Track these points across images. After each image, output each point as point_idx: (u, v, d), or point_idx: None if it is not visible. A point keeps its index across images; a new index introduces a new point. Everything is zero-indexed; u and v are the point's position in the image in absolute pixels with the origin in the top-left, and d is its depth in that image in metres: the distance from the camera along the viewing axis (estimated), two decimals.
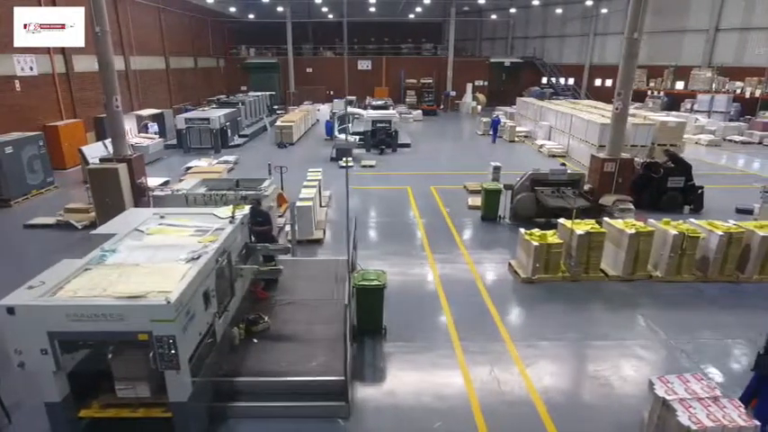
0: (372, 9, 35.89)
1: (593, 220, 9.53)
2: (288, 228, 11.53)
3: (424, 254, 10.56)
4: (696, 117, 26.48)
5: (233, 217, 6.91)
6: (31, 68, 17.57)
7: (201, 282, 5.47)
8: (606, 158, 12.14)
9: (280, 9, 35.87)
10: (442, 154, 21.63)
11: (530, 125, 25.58)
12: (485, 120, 26.74)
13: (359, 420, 5.77)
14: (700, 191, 13.26)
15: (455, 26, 40.54)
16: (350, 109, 23.88)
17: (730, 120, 26.62)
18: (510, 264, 9.79)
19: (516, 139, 24.40)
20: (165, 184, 14.58)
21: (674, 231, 9.05)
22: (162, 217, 7.24)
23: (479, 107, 35.58)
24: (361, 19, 39.76)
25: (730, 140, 24.13)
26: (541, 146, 21.59)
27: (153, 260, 5.75)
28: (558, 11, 37.17)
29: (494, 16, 41.28)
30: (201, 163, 18.00)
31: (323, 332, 6.82)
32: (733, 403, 4.78)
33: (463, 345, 7.25)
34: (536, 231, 9.32)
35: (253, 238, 7.76)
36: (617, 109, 11.92)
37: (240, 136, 24.15)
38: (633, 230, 9.03)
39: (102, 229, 7.03)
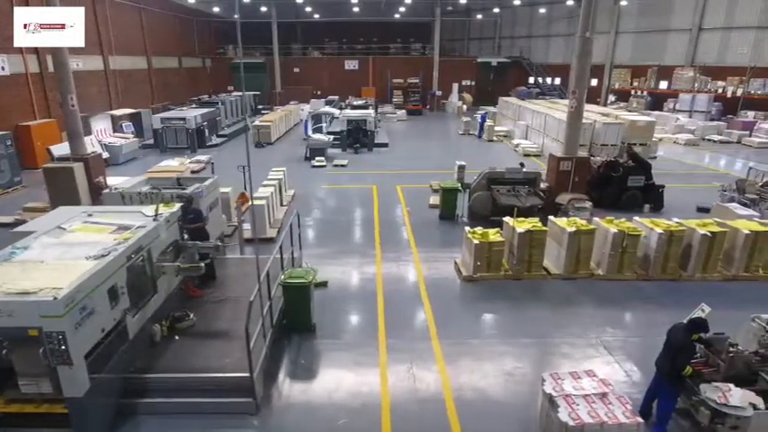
0: (356, 9, 35.87)
1: (536, 219, 9.53)
2: (246, 226, 11.68)
3: (374, 252, 10.58)
4: (677, 116, 26.48)
5: (156, 215, 6.94)
6: (3, 68, 17.62)
7: (106, 278, 5.50)
8: (562, 157, 12.16)
9: (263, 9, 35.87)
10: (419, 153, 21.64)
11: (510, 124, 25.59)
12: (465, 119, 26.76)
13: (266, 417, 5.80)
14: (660, 190, 13.26)
15: (443, 26, 40.54)
16: (323, 108, 23.92)
17: (711, 119, 26.61)
18: (455, 262, 9.81)
19: (495, 138, 24.42)
20: None
21: (614, 230, 9.06)
22: (89, 215, 7.27)
23: (465, 107, 35.57)
24: (349, 19, 39.77)
25: (709, 140, 24.11)
26: (517, 145, 21.60)
27: (62, 257, 5.78)
28: (542, 10, 37.15)
29: (479, 16, 41.26)
30: (173, 162, 17.99)
31: (258, 329, 6.84)
32: (621, 400, 4.80)
33: (389, 342, 7.27)
34: (478, 230, 9.34)
35: (186, 236, 7.80)
36: (572, 108, 11.93)
37: (219, 136, 24.20)
38: (573, 229, 9.04)
39: (27, 227, 7.07)
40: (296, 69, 39.76)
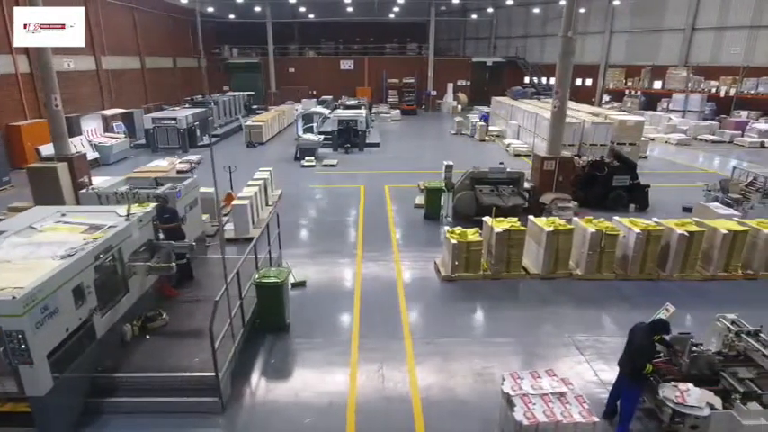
0: (350, 9, 35.88)
1: (515, 219, 9.53)
2: (230, 226, 11.71)
3: (355, 252, 10.59)
4: (669, 116, 26.47)
5: (128, 215, 6.95)
6: None
7: (70, 278, 5.51)
8: (546, 157, 12.17)
9: (257, 9, 35.89)
10: (410, 153, 21.64)
11: (503, 124, 25.59)
12: (458, 119, 26.77)
13: (232, 416, 5.82)
14: (645, 189, 13.26)
15: (440, 26, 40.50)
16: (313, 108, 23.93)
17: (704, 119, 26.59)
18: (435, 262, 9.82)
19: (487, 138, 24.42)
20: None
21: (592, 229, 9.06)
22: (63, 215, 7.28)
23: (460, 107, 35.57)
24: (346, 19, 39.80)
25: (701, 139, 24.10)
26: (508, 145, 21.60)
27: (28, 257, 5.79)
28: (536, 10, 37.15)
29: (474, 16, 41.25)
30: (163, 162, 18.01)
31: (219, 329, 6.84)
32: (579, 400, 4.81)
33: (362, 342, 7.28)
34: (457, 229, 9.35)
35: (161, 236, 7.82)
36: (555, 107, 11.94)
37: (212, 136, 24.20)
38: (552, 228, 9.05)
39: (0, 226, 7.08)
40: (291, 69, 39.77)
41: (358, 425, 5.66)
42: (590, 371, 6.62)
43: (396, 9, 37.24)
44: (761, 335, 5.33)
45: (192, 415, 5.80)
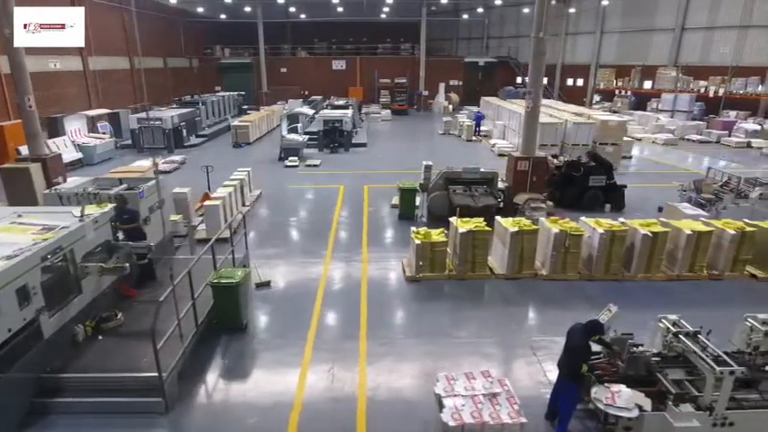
0: (340, 9, 35.89)
1: (480, 219, 9.53)
2: (202, 226, 11.73)
3: (325, 252, 10.60)
4: (657, 116, 26.46)
5: (82, 216, 6.96)
6: None
7: (13, 279, 5.52)
8: (519, 157, 12.17)
9: (247, 9, 35.90)
10: (396, 153, 21.65)
11: (490, 124, 25.57)
12: (446, 119, 26.77)
13: (176, 416, 5.83)
14: (621, 190, 13.25)
15: (433, 26, 40.44)
16: (297, 109, 23.95)
17: (693, 119, 26.59)
18: (402, 262, 9.82)
19: (474, 138, 24.41)
20: None
21: (556, 230, 9.06)
22: (19, 215, 7.29)
23: (451, 107, 35.55)
24: (339, 19, 39.79)
25: (688, 140, 24.08)
26: (494, 145, 21.60)
27: None
28: (526, 10, 37.14)
29: (465, 16, 41.22)
30: (146, 163, 18.03)
31: (170, 330, 6.86)
32: (510, 401, 4.82)
33: (317, 342, 7.29)
34: (422, 230, 9.35)
35: (120, 236, 7.84)
36: (528, 107, 11.93)
37: (199, 136, 24.24)
38: (516, 229, 9.05)
39: None
40: (283, 69, 39.78)
41: (300, 425, 5.67)
42: (540, 371, 6.62)
43: (386, 9, 37.20)
44: (699, 336, 5.32)
45: (136, 415, 5.80)
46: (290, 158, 18.92)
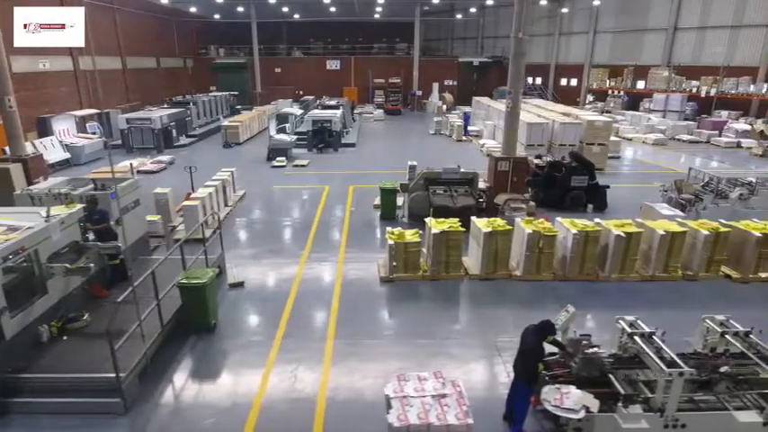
0: (333, 9, 35.89)
1: (455, 219, 9.52)
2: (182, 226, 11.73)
3: (302, 252, 10.60)
4: (648, 116, 26.44)
5: (48, 216, 6.97)
6: None
7: None
8: (500, 157, 12.16)
9: (240, 9, 35.89)
10: (385, 153, 21.65)
11: (481, 124, 25.55)
12: (437, 119, 26.77)
13: (135, 417, 5.83)
14: (603, 190, 13.24)
15: (429, 26, 40.48)
16: (285, 109, 23.95)
17: (685, 119, 26.57)
18: (378, 263, 9.82)
19: (464, 138, 24.41)
20: None
21: (529, 230, 9.06)
22: None
23: (445, 107, 35.52)
24: (334, 18, 39.76)
25: (679, 139, 24.06)
26: (483, 145, 21.59)
27: None
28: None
29: (459, 16, 41.19)
30: (133, 162, 18.06)
31: (139, 330, 6.87)
32: (459, 402, 4.82)
33: (284, 343, 7.30)
34: (396, 230, 9.35)
35: (90, 236, 7.84)
36: (508, 107, 11.93)
37: (189, 136, 24.25)
38: (489, 229, 9.04)
39: None
40: (277, 69, 39.79)
41: (257, 425, 5.67)
42: (504, 372, 6.60)
43: (379, 9, 37.17)
44: (654, 337, 5.32)
45: (94, 416, 5.81)
46: (278, 159, 18.92)
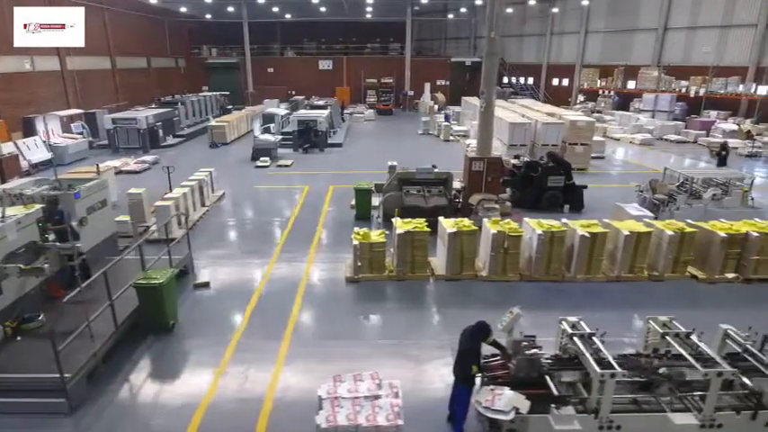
0: (323, 9, 35.89)
1: (422, 220, 9.52)
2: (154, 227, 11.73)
3: (273, 253, 10.60)
4: (637, 116, 26.41)
5: (2, 216, 6.98)
6: None
7: None
8: (474, 157, 12.15)
9: (231, 9, 35.89)
10: (370, 153, 21.63)
11: (468, 124, 25.55)
12: (425, 119, 26.77)
13: (80, 417, 5.84)
14: (580, 190, 13.23)
15: (422, 26, 40.38)
16: (269, 109, 23.96)
17: (674, 119, 26.53)
18: (346, 263, 9.81)
19: (451, 138, 24.41)
20: None
21: (494, 230, 9.05)
22: None
23: (437, 107, 35.50)
24: (327, 18, 39.71)
25: (666, 139, 24.03)
26: (468, 144, 21.53)
27: None
28: (509, 10, 37.06)
29: (451, 16, 41.15)
30: (114, 163, 18.11)
31: (96, 330, 6.87)
32: (392, 403, 4.81)
33: (241, 343, 7.30)
34: (362, 230, 9.35)
35: (50, 237, 7.85)
36: (482, 107, 11.92)
37: (177, 136, 24.26)
38: (455, 229, 9.04)
39: None
40: (270, 69, 39.80)
41: (201, 426, 5.68)
42: None
43: (369, 9, 37.15)
44: (594, 338, 5.31)
45: (40, 416, 5.82)
46: (262, 159, 18.93)
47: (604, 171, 18.21)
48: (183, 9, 33.93)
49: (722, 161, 16.56)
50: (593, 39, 33.68)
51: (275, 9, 35.53)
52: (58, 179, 9.30)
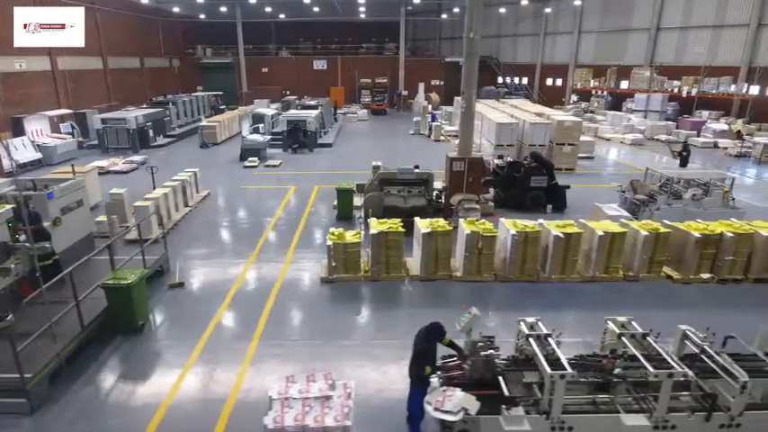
0: (315, 9, 35.89)
1: (397, 220, 9.52)
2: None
3: (251, 253, 10.60)
4: (629, 116, 26.40)
5: None
6: None
7: None
8: (455, 158, 12.15)
9: (223, 9, 35.89)
10: (360, 153, 21.58)
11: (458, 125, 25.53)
12: (416, 119, 26.77)
13: (40, 417, 5.84)
14: (562, 190, 13.23)
15: (417, 26, 40.25)
16: (258, 109, 23.96)
17: (667, 119, 26.52)
18: (321, 263, 9.82)
19: (442, 138, 24.40)
20: None
21: (468, 231, 9.05)
22: None
23: (431, 107, 35.48)
24: (322, 18, 39.70)
25: (657, 140, 24.01)
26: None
27: None
28: (503, 10, 37.08)
29: (444, 16, 41.13)
30: (102, 163, 18.13)
31: (62, 331, 6.88)
32: (343, 404, 4.81)
33: (209, 343, 7.31)
34: (337, 230, 9.36)
35: (21, 237, 7.86)
36: (462, 108, 11.91)
37: (167, 136, 24.27)
38: (429, 230, 9.04)
39: None
40: (264, 69, 39.81)
41: (161, 425, 5.69)
42: None
43: (362, 9, 37.13)
44: (549, 339, 5.32)
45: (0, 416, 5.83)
46: (250, 159, 18.93)
47: (592, 171, 18.20)
48: (176, 9, 33.91)
49: (684, 161, 16.52)
50: (587, 39, 33.67)
51: (268, 9, 35.48)
52: (32, 180, 9.31)
